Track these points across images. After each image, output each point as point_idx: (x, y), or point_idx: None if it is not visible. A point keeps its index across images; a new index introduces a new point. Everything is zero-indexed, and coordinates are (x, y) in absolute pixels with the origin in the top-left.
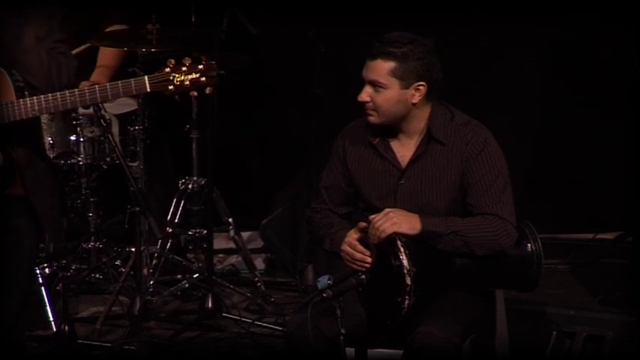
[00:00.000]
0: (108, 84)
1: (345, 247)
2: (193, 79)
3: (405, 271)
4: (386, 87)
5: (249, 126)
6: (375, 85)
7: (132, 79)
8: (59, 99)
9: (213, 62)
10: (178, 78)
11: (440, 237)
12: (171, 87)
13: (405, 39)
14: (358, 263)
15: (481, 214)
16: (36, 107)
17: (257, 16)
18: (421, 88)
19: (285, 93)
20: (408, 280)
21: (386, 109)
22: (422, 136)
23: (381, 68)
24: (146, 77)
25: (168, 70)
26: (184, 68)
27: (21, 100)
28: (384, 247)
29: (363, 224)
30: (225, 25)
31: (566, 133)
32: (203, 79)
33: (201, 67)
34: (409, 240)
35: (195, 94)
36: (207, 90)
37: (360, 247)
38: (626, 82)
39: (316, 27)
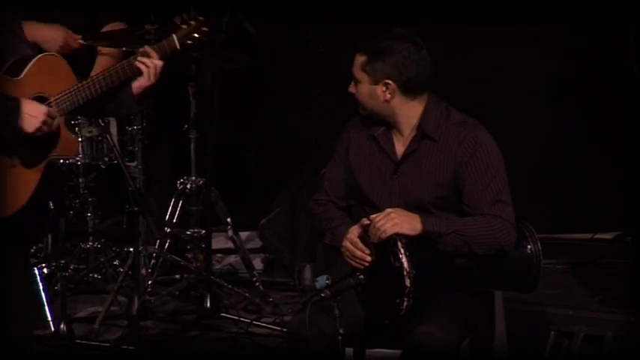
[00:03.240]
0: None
1: (346, 244)
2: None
3: (405, 273)
4: (359, 80)
5: (248, 126)
6: (353, 77)
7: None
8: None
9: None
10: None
11: (440, 237)
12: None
13: (389, 35)
14: (357, 261)
15: (481, 214)
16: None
17: (256, 16)
18: (389, 86)
19: (284, 93)
20: (408, 282)
21: (363, 102)
22: (415, 132)
23: (356, 61)
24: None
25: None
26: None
27: (84, 82)
28: (385, 248)
29: (365, 221)
30: (224, 25)
31: (565, 133)
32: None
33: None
34: (409, 241)
35: None
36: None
37: (360, 245)
38: (626, 82)
39: (315, 27)
